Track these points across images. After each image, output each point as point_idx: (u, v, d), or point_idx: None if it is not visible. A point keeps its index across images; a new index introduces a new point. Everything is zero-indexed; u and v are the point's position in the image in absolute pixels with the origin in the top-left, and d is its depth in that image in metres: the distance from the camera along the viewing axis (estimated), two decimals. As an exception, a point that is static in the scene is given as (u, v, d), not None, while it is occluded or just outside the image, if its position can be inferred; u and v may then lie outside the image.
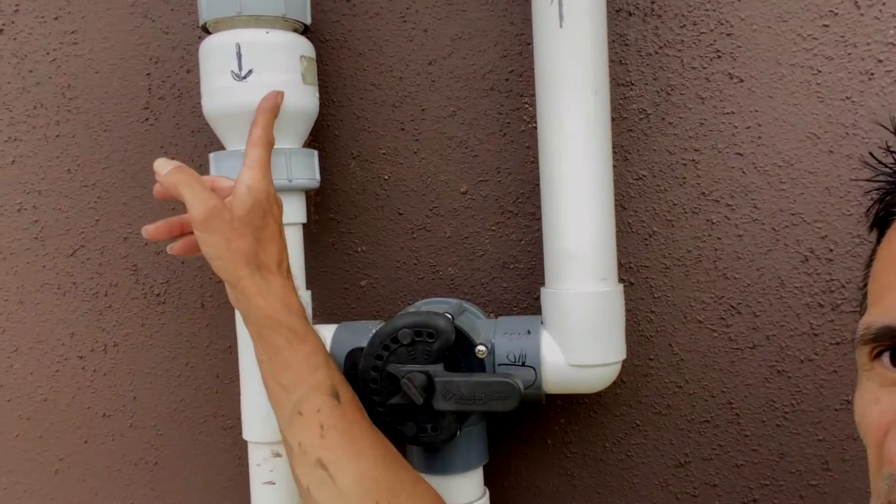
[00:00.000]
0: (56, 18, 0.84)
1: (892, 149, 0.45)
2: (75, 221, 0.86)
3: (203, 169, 0.82)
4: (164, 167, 0.59)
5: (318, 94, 0.73)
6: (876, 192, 0.46)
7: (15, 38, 0.85)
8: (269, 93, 0.65)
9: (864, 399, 0.41)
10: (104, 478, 0.88)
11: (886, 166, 0.45)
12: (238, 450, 0.85)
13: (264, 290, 0.58)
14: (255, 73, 0.68)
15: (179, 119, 0.83)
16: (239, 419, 0.84)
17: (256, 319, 0.59)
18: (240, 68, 0.68)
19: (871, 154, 0.47)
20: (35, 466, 0.89)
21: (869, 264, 0.45)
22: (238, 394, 0.81)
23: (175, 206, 0.84)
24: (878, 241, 0.45)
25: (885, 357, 0.39)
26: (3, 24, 0.85)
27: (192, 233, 0.60)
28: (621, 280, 0.75)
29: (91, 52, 0.84)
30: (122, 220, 0.86)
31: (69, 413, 0.88)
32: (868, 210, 0.47)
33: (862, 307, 0.45)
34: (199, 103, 0.83)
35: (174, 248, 0.63)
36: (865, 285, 0.45)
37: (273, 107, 0.64)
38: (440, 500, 0.64)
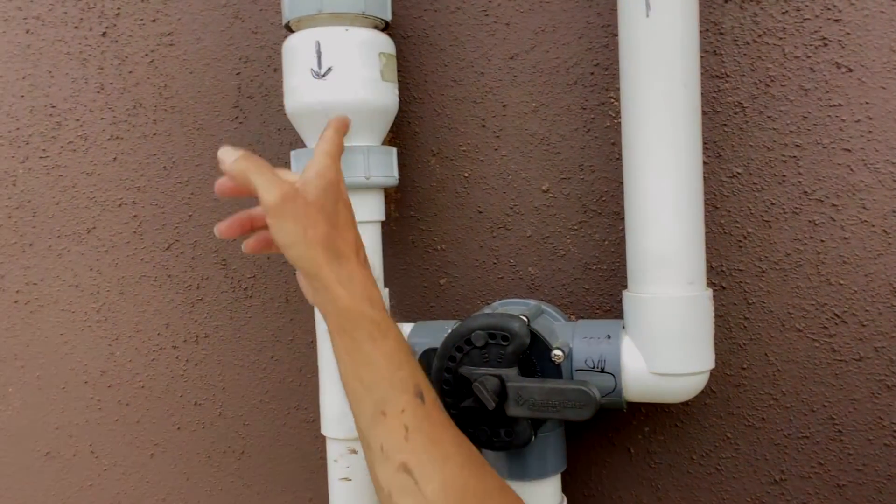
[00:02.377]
0: (154, 21, 0.87)
1: None
2: (170, 217, 0.89)
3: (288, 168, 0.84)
4: (229, 155, 0.57)
5: (397, 91, 0.72)
6: None
7: (116, 41, 0.89)
8: (339, 116, 0.66)
9: None
10: (195, 463, 0.92)
11: None
12: (319, 443, 0.86)
13: (345, 279, 0.55)
14: (334, 71, 0.68)
15: (266, 117, 0.85)
16: (320, 413, 0.86)
17: (337, 311, 0.56)
18: (319, 66, 0.68)
19: None
20: (132, 450, 0.93)
21: None
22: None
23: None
24: None
25: None
26: (107, 28, 0.89)
27: (264, 227, 0.59)
28: (712, 284, 0.70)
29: (186, 52, 0.87)
30: (214, 216, 0.88)
31: (164, 400, 0.92)
32: None
33: None
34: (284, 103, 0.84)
35: (248, 244, 0.62)
36: None
37: (344, 121, 0.65)
38: None
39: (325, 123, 0.69)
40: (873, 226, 0.66)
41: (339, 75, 0.68)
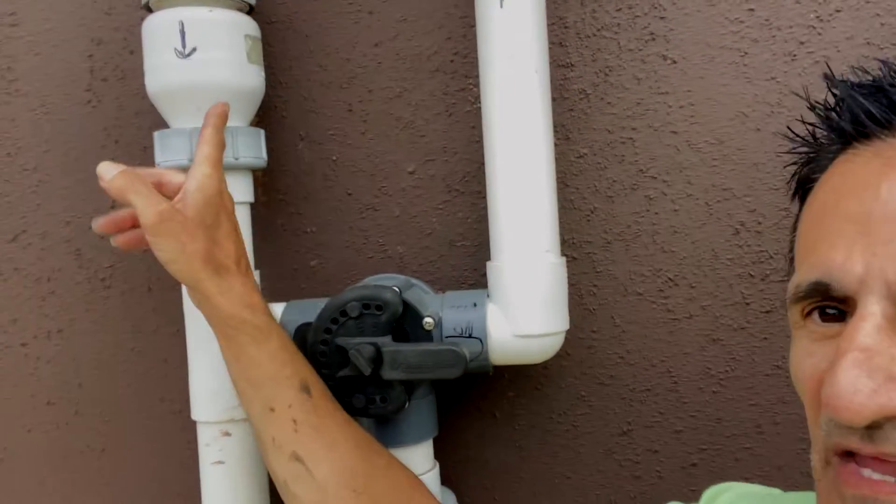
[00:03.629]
0: (-7, -1, 0.82)
1: (806, 120, 0.47)
2: (16, 206, 0.84)
3: (148, 152, 0.82)
4: (107, 171, 0.57)
5: (263, 74, 0.73)
6: (795, 164, 0.48)
7: (-50, 19, 0.83)
8: (217, 103, 0.65)
9: (799, 355, 0.41)
10: (49, 466, 0.87)
11: (802, 138, 0.47)
12: (188, 434, 0.85)
13: (225, 290, 0.58)
14: (200, 51, 0.68)
15: (123, 101, 0.83)
16: (188, 403, 0.84)
17: (220, 320, 0.59)
18: (183, 46, 0.68)
19: (788, 128, 0.49)
20: (-24, 457, 0.87)
21: (794, 230, 0.48)
22: (188, 377, 0.80)
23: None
24: (801, 207, 0.47)
25: (816, 315, 0.40)
26: (-62, 5, 0.83)
27: (139, 226, 0.59)
28: (564, 255, 0.77)
29: (31, 33, 0.83)
30: (65, 204, 0.84)
31: (12, 402, 0.86)
32: (789, 181, 0.49)
33: (790, 272, 0.47)
34: (143, 84, 0.82)
35: (118, 240, 0.62)
36: (792, 250, 0.47)
37: (221, 113, 0.63)
38: (416, 480, 0.66)
39: (191, 103, 0.69)
40: (697, 199, 0.75)
41: (204, 55, 0.68)
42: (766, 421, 0.76)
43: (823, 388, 0.35)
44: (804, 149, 0.47)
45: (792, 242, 0.47)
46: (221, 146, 0.62)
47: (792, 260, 0.47)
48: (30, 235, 0.85)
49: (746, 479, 0.76)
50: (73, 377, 0.86)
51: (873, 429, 0.34)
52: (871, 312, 0.34)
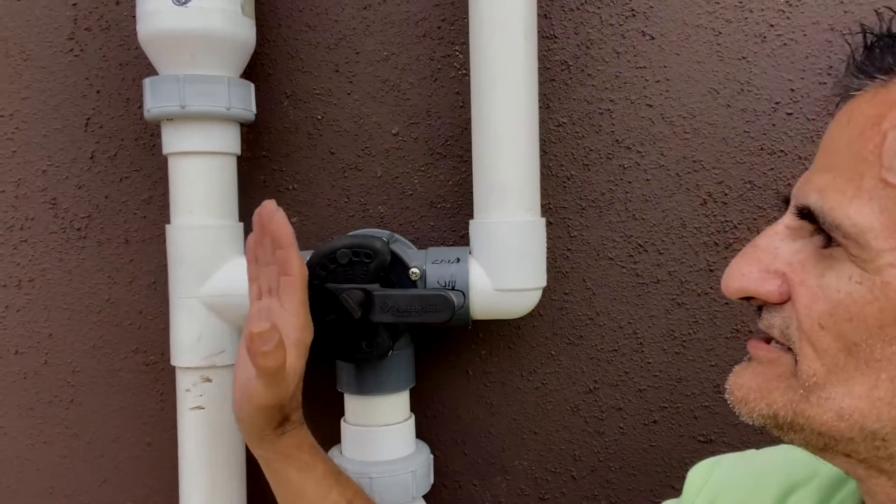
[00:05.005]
0: (-25, -61, 0.81)
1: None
2: (-10, 152, 0.83)
3: (131, 103, 0.82)
4: (269, 340, 0.56)
5: (255, 28, 0.74)
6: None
7: (-72, -44, 0.81)
8: (277, 216, 0.62)
9: None
10: (14, 416, 0.86)
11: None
12: (160, 385, 0.85)
13: (279, 433, 0.63)
14: (197, -1, 0.69)
15: (107, 51, 0.82)
16: (163, 355, 0.85)
17: (267, 455, 0.63)
18: (181, -8, 0.68)
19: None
20: (-61, 405, 0.85)
21: None
22: (163, 329, 0.81)
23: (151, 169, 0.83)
24: None
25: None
26: (-85, -59, 0.81)
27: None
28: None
29: (12, -23, 0.82)
30: (42, 153, 0.84)
31: (-23, 351, 0.85)
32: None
33: None
34: (128, 36, 0.83)
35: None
36: None
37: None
38: None
39: (184, 51, 0.69)
40: (669, 169, 0.79)
41: (201, 3, 0.69)
42: (724, 381, 0.80)
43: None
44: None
45: None
46: (306, 280, 0.64)
47: None
48: (3, 183, 0.84)
49: (703, 436, 0.81)
50: (43, 327, 0.85)
51: (761, 310, 0.43)
52: (781, 222, 0.42)
